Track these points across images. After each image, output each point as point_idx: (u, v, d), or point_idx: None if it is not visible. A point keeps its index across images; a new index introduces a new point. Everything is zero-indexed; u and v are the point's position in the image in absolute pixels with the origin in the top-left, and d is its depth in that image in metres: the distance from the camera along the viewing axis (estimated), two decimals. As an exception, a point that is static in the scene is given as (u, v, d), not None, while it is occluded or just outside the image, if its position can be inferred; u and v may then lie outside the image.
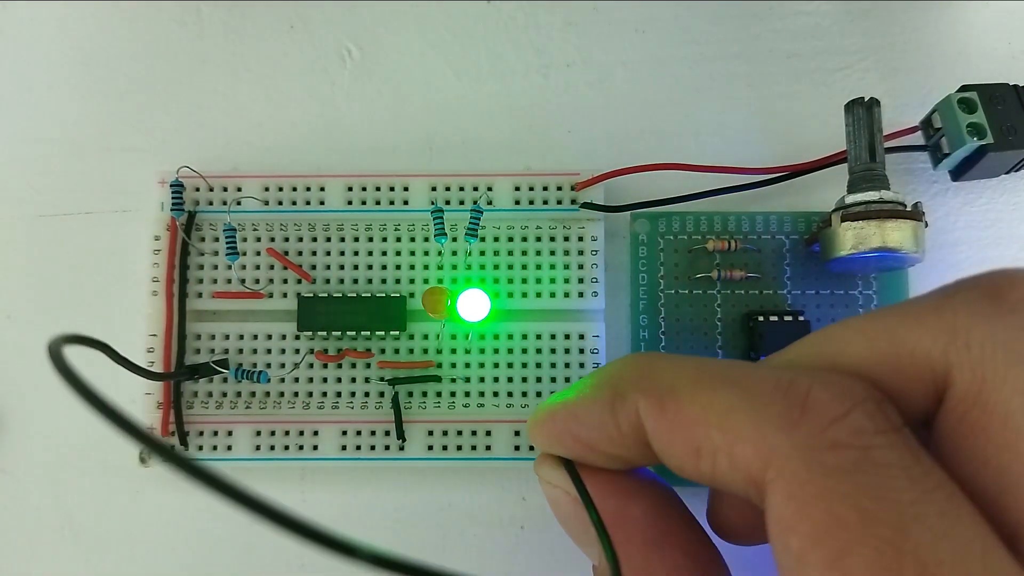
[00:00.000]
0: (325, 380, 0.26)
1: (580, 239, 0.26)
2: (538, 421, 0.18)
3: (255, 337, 0.26)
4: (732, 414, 0.13)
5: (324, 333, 0.26)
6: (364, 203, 0.27)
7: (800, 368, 0.14)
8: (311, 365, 0.26)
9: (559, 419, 0.17)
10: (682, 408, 0.14)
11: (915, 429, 0.13)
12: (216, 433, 0.26)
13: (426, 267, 0.26)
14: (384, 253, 0.27)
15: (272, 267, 0.27)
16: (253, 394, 0.26)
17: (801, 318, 0.26)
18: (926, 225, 0.24)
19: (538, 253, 0.26)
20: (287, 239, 0.27)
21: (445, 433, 0.26)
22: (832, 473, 0.12)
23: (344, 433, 0.26)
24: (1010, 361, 0.12)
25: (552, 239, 0.26)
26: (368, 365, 0.26)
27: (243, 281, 0.26)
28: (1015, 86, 0.26)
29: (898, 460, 0.12)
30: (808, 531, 0.12)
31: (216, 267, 0.26)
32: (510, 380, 0.26)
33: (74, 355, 0.27)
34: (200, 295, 0.26)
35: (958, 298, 0.14)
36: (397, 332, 0.26)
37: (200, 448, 0.25)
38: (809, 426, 0.12)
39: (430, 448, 0.25)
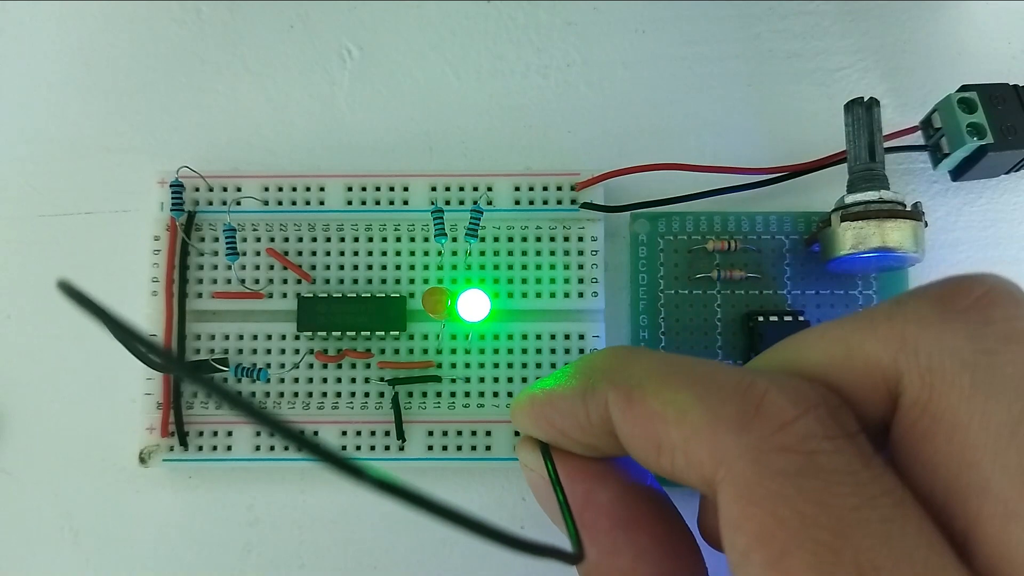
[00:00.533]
0: (325, 380, 0.26)
1: (580, 239, 0.26)
2: (519, 405, 0.18)
3: (255, 337, 0.26)
4: (690, 412, 0.14)
5: (324, 333, 0.26)
6: (364, 203, 0.27)
7: (764, 371, 0.14)
8: (311, 365, 0.26)
9: (537, 405, 0.18)
10: (646, 403, 0.15)
11: (874, 435, 0.13)
12: (216, 433, 0.26)
13: (426, 267, 0.26)
14: (384, 253, 0.27)
15: (272, 267, 0.27)
16: (253, 394, 0.26)
17: (801, 318, 0.26)
18: (926, 225, 0.24)
19: (538, 253, 0.26)
20: (287, 239, 0.27)
21: (445, 433, 0.26)
22: (778, 476, 0.12)
23: (344, 433, 0.26)
24: (956, 368, 0.12)
25: (552, 239, 0.26)
26: (368, 365, 0.26)
27: (243, 281, 0.26)
28: (1015, 86, 0.26)
29: (844, 466, 0.12)
30: (753, 531, 0.12)
31: (216, 267, 0.26)
32: (510, 380, 0.26)
33: (76, 353, 0.27)
34: (200, 295, 0.26)
35: (909, 306, 0.14)
36: (397, 332, 0.26)
37: (200, 448, 0.26)
38: (760, 429, 0.13)
39: (430, 448, 0.25)
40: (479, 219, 0.25)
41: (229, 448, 0.26)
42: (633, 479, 0.18)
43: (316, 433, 0.26)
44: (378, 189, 0.27)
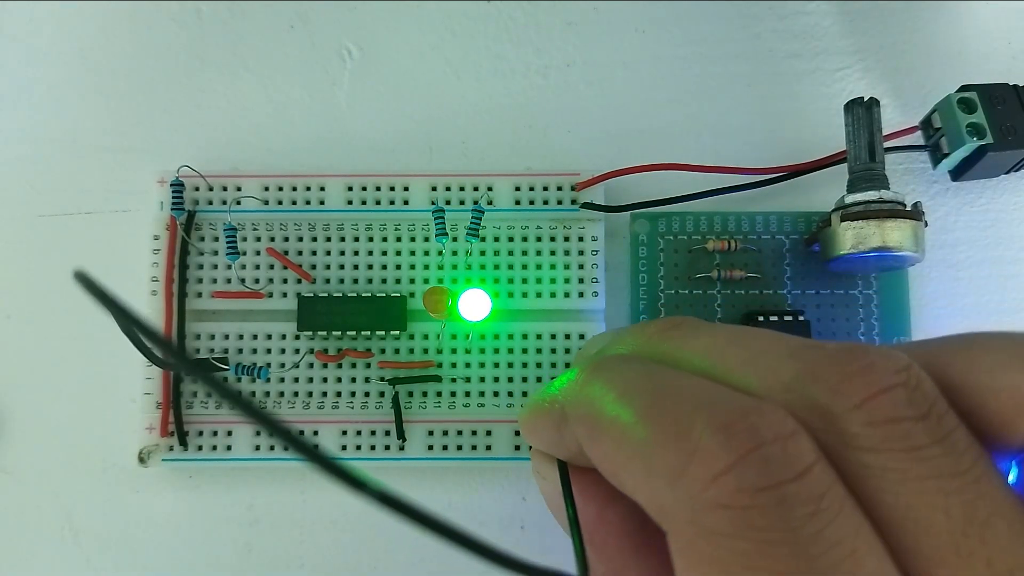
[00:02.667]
0: (325, 380, 0.26)
1: (580, 239, 0.26)
2: (522, 419, 0.18)
3: (255, 337, 0.26)
4: (633, 460, 0.13)
5: (324, 333, 0.26)
6: (364, 203, 0.27)
7: (713, 403, 0.13)
8: (311, 365, 0.26)
9: (527, 426, 0.17)
10: (602, 442, 0.14)
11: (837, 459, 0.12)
12: (216, 433, 0.26)
13: (426, 267, 0.26)
14: (384, 253, 0.27)
15: (272, 267, 0.27)
16: (253, 394, 0.26)
17: (801, 318, 0.26)
18: (926, 225, 0.24)
19: (538, 253, 0.26)
20: (287, 239, 0.27)
21: (445, 433, 0.26)
22: (711, 537, 0.11)
23: (344, 433, 0.26)
24: None
25: (552, 239, 0.26)
26: (368, 365, 0.26)
27: (243, 281, 0.26)
28: (1015, 86, 0.26)
29: (781, 522, 0.11)
30: None
31: (216, 267, 0.26)
32: (510, 380, 0.26)
33: (76, 353, 0.27)
34: (200, 295, 0.26)
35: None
36: (397, 332, 0.26)
37: (200, 448, 0.25)
38: (691, 482, 0.12)
39: (430, 448, 0.25)
40: (479, 219, 0.25)
41: (229, 448, 0.26)
42: None
43: (316, 433, 0.26)
44: (378, 189, 0.27)
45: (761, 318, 0.25)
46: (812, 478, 0.11)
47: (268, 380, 0.26)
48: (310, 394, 0.26)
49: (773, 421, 0.12)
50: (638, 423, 0.13)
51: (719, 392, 0.13)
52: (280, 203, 0.27)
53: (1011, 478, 0.19)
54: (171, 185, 0.26)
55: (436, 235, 0.25)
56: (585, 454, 0.15)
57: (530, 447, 0.19)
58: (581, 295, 0.26)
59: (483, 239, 0.26)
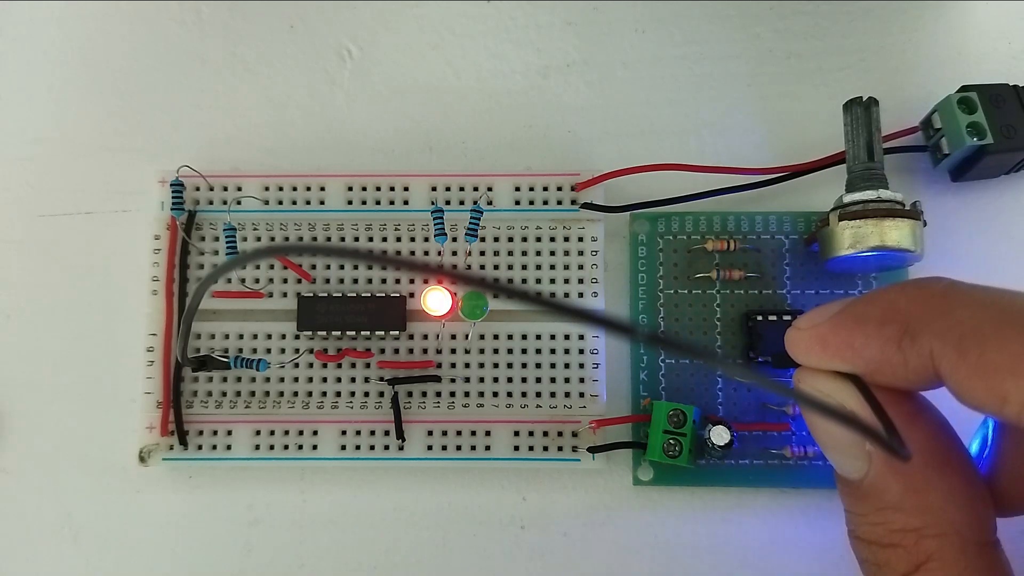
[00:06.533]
0: (325, 380, 0.26)
1: (580, 239, 0.26)
2: (824, 335, 0.17)
3: (255, 336, 0.26)
4: None
5: (324, 333, 0.26)
6: (364, 203, 0.27)
7: None
8: (311, 365, 0.26)
9: (844, 338, 0.17)
10: (986, 355, 0.14)
11: None
12: (216, 432, 0.26)
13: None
14: (384, 253, 0.26)
15: (272, 267, 0.27)
16: (253, 393, 0.26)
17: (801, 318, 0.26)
18: (924, 224, 0.24)
19: (538, 253, 0.26)
20: (287, 239, 0.27)
21: (445, 433, 0.26)
22: None
23: (344, 433, 0.26)
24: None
25: (552, 239, 0.26)
26: (368, 365, 0.26)
27: (243, 281, 0.26)
28: (1015, 86, 0.26)
29: None
30: None
31: (216, 266, 0.26)
32: (510, 380, 0.26)
33: (76, 353, 0.27)
34: (200, 295, 0.26)
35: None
36: (397, 332, 0.26)
37: (200, 447, 0.26)
38: None
39: (430, 448, 0.25)
40: (479, 219, 0.25)
41: (229, 448, 0.26)
42: (940, 417, 0.17)
43: (316, 433, 0.26)
44: (378, 189, 0.27)
45: (760, 318, 0.25)
46: None
47: (268, 368, 0.25)
48: (310, 394, 0.26)
49: None
50: None
51: None
52: (280, 203, 0.27)
53: (974, 447, 0.19)
54: (171, 185, 0.26)
55: (435, 235, 0.25)
56: (929, 371, 0.15)
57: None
58: (581, 295, 0.26)
59: (483, 239, 0.26)
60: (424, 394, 0.26)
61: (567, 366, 0.26)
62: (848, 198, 0.24)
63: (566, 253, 0.26)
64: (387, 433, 0.26)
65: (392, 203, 0.27)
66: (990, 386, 0.14)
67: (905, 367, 0.16)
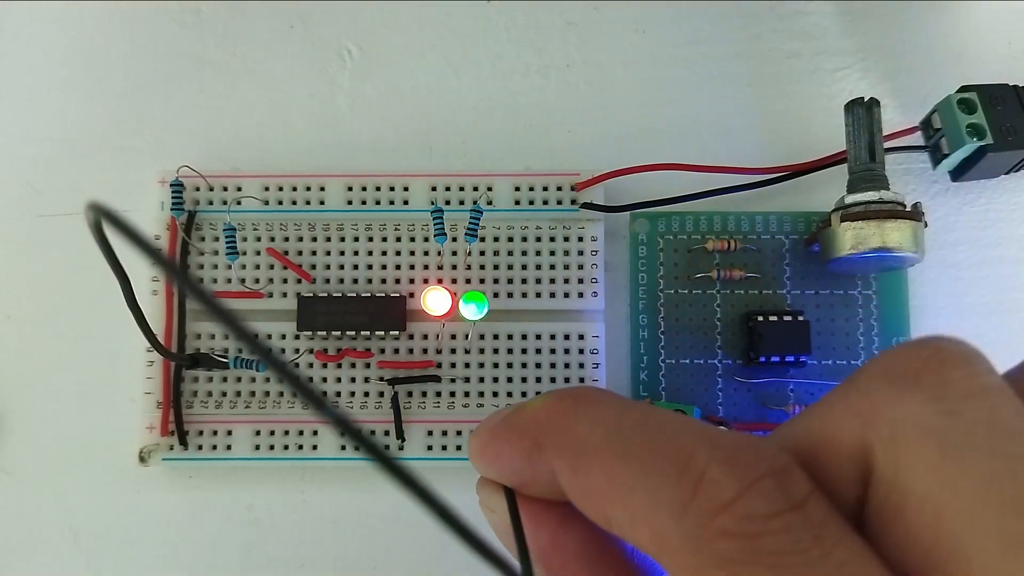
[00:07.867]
0: (325, 380, 0.26)
1: (580, 239, 0.26)
2: (476, 445, 0.17)
3: (255, 336, 0.26)
4: (632, 492, 0.13)
5: (324, 333, 0.26)
6: (364, 203, 0.27)
7: (716, 435, 0.13)
8: (311, 365, 0.26)
9: (491, 452, 0.17)
10: (590, 476, 0.14)
11: (852, 517, 0.12)
12: (216, 432, 0.26)
13: (426, 267, 0.26)
14: (384, 253, 0.27)
15: (272, 267, 0.27)
16: (253, 393, 0.26)
17: (801, 318, 0.26)
18: (925, 225, 0.24)
19: (538, 253, 0.26)
20: (287, 239, 0.27)
21: (445, 433, 0.26)
22: (721, 565, 0.11)
23: (343, 433, 0.26)
24: (919, 436, 0.12)
25: (552, 239, 0.26)
26: (368, 365, 0.26)
27: (243, 281, 0.26)
28: (1015, 86, 0.26)
29: (790, 546, 0.11)
30: None
31: (216, 267, 0.26)
32: (510, 380, 0.26)
33: (76, 353, 0.27)
34: (200, 295, 0.26)
35: (860, 382, 0.13)
36: (397, 332, 0.26)
37: (200, 447, 0.26)
38: (698, 512, 0.12)
39: (429, 448, 0.25)
40: (479, 219, 0.25)
41: (229, 448, 0.26)
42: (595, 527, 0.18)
43: (316, 433, 0.26)
44: (378, 189, 0.27)
45: (760, 318, 0.25)
46: (813, 504, 0.12)
47: (268, 368, 0.25)
48: (310, 394, 0.26)
49: (771, 454, 0.12)
50: (635, 455, 0.13)
51: (710, 426, 0.13)
52: (280, 203, 0.27)
53: None
54: (171, 185, 0.26)
55: (435, 235, 0.25)
56: (558, 486, 0.15)
57: (478, 479, 0.18)
58: (581, 295, 0.26)
59: (482, 239, 0.26)
60: (424, 394, 0.26)
61: (567, 366, 0.26)
62: (850, 199, 0.24)
63: (566, 253, 0.26)
64: (387, 433, 0.26)
65: (392, 203, 0.27)
66: (595, 507, 0.14)
67: (536, 481, 0.15)
